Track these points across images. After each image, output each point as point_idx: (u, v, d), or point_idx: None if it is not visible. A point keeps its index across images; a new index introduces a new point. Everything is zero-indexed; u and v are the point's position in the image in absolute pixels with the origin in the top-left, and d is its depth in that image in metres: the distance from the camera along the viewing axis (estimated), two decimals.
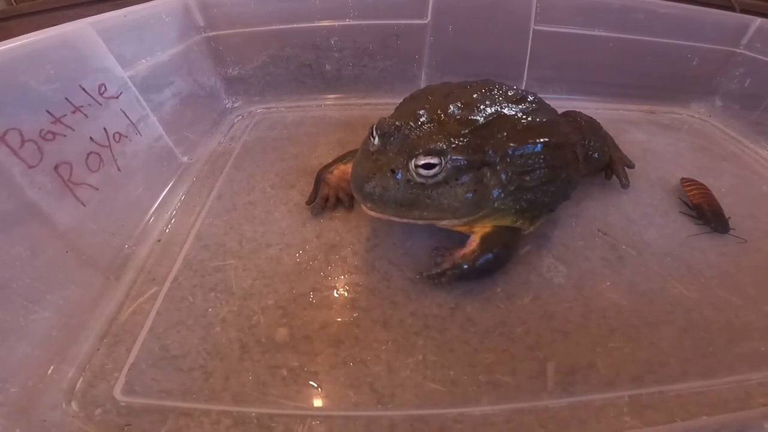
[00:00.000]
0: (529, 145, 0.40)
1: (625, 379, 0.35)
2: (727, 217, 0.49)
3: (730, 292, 0.42)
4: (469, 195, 0.38)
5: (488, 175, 0.38)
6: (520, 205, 0.41)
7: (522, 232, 0.43)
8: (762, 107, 0.66)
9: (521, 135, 0.40)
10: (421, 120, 0.39)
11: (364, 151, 0.40)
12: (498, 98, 0.44)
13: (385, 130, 0.38)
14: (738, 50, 0.66)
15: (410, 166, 0.36)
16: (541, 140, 0.41)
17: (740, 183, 0.57)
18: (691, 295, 0.42)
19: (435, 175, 0.36)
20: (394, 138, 0.38)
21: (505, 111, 0.42)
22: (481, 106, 0.42)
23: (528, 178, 0.40)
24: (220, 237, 0.47)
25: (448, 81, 0.51)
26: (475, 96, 0.44)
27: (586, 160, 0.50)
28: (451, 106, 0.41)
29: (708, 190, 0.52)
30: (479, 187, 0.38)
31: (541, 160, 0.40)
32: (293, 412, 0.33)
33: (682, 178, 0.54)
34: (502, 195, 0.39)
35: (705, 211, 0.49)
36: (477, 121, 0.40)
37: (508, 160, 0.39)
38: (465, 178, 0.37)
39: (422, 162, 0.36)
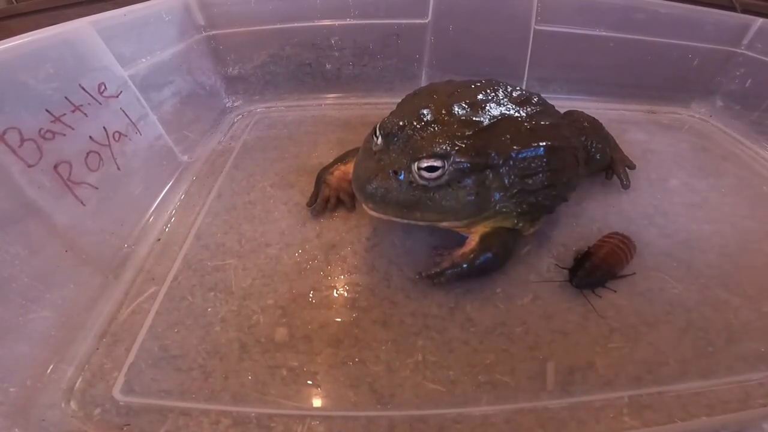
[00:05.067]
0: (532, 149, 0.40)
1: (624, 380, 0.35)
2: (609, 287, 0.41)
3: (729, 292, 0.42)
4: (471, 197, 0.37)
5: (490, 177, 0.38)
6: (522, 207, 0.40)
7: (522, 233, 0.43)
8: (763, 107, 0.66)
9: (524, 138, 0.40)
10: (425, 120, 0.38)
11: (366, 150, 0.40)
12: (502, 99, 0.44)
13: (389, 130, 0.37)
14: (739, 50, 0.66)
15: (413, 168, 0.36)
16: (544, 144, 0.40)
17: (740, 183, 0.56)
18: (691, 295, 0.42)
19: (438, 177, 0.36)
20: (398, 138, 0.37)
21: (509, 113, 0.42)
22: (486, 107, 0.41)
23: (530, 181, 0.40)
24: (219, 236, 0.47)
25: (452, 79, 0.51)
26: (479, 96, 0.43)
27: (587, 161, 0.50)
28: (455, 107, 0.40)
29: (625, 255, 0.42)
30: (481, 189, 0.38)
31: (543, 164, 0.40)
32: (292, 412, 0.33)
33: (614, 232, 0.45)
34: (504, 198, 0.39)
35: (593, 269, 0.41)
36: (481, 122, 0.39)
37: (511, 162, 0.39)
38: (467, 181, 0.37)
39: (425, 165, 0.35)
